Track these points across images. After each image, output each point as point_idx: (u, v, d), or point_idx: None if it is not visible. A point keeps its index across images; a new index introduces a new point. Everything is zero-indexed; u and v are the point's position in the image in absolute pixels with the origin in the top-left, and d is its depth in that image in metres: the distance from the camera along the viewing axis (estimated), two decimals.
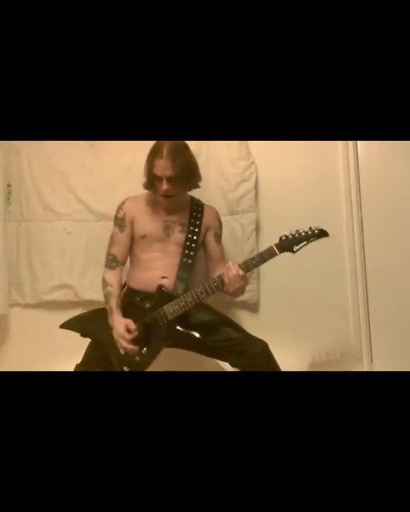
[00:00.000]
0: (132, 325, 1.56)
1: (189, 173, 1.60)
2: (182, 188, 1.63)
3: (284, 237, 1.47)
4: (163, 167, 1.54)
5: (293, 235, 1.46)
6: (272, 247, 1.47)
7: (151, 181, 1.60)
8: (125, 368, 1.59)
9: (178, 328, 1.56)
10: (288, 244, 1.46)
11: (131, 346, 1.56)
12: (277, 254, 1.47)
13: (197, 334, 1.54)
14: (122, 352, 1.59)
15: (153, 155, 1.56)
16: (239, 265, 1.49)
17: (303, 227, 1.48)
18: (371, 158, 1.95)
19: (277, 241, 1.48)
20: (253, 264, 1.49)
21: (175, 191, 1.59)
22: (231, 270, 1.48)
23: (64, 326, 1.70)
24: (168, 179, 1.55)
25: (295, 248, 1.46)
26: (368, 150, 1.95)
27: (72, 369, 1.72)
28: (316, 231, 1.46)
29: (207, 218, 1.71)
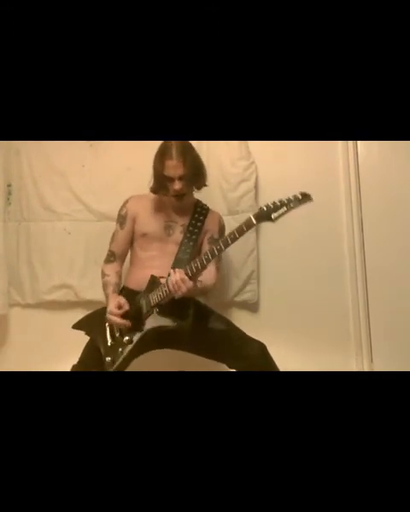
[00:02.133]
0: (123, 300, 1.56)
1: (198, 171, 1.63)
2: (192, 186, 1.64)
3: (264, 207, 1.37)
4: (174, 167, 1.54)
5: (274, 203, 1.35)
6: (249, 217, 1.38)
7: (161, 183, 1.60)
8: (107, 358, 1.55)
9: (156, 310, 1.53)
10: (266, 213, 1.35)
11: (121, 320, 1.54)
12: (254, 224, 1.37)
13: (174, 322, 1.49)
14: (110, 342, 1.58)
15: (161, 156, 1.56)
16: (185, 269, 1.45)
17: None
18: (371, 158, 1.95)
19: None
20: (231, 238, 1.40)
21: (186, 190, 1.61)
22: (175, 275, 1.44)
23: (76, 326, 1.70)
24: (180, 178, 1.56)
25: (274, 216, 1.34)
26: (368, 150, 1.95)
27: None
28: (298, 196, 1.34)
29: (209, 222, 1.71)
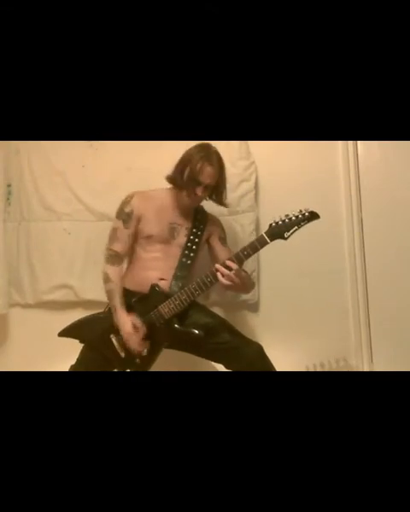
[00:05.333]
0: (139, 322, 1.55)
1: (223, 185, 1.64)
2: (207, 196, 1.66)
3: (273, 224, 1.41)
4: (210, 175, 1.55)
5: (283, 221, 1.40)
6: (262, 235, 1.42)
7: (185, 182, 1.56)
8: (127, 370, 1.58)
9: (176, 326, 1.54)
10: (278, 231, 1.40)
11: (141, 347, 1.54)
12: (268, 243, 1.41)
13: (197, 331, 1.50)
14: (122, 355, 1.59)
15: (202, 160, 1.53)
16: (230, 259, 1.44)
17: (293, 210, 1.41)
18: (371, 158, 1.95)
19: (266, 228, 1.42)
20: (244, 255, 1.43)
21: (203, 198, 1.63)
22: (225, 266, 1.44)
23: (63, 334, 1.68)
24: (206, 187, 1.57)
25: (287, 235, 1.39)
26: (368, 150, 1.95)
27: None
28: (306, 214, 1.38)
29: (211, 224, 1.71)
